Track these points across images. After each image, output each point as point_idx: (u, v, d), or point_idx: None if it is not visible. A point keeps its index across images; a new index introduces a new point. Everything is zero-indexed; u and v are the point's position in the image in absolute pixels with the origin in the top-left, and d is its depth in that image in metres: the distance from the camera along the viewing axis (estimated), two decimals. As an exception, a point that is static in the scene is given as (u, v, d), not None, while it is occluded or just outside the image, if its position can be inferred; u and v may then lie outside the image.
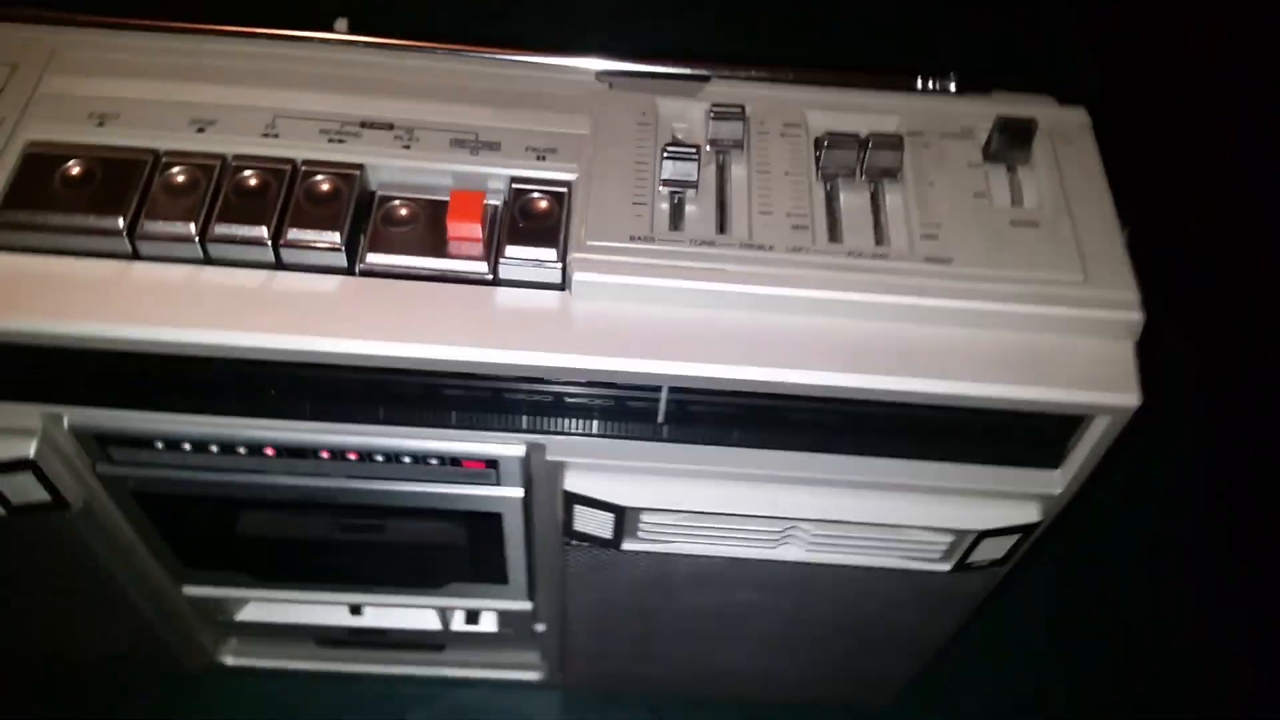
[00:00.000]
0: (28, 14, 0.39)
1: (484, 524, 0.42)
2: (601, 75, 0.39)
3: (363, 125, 0.37)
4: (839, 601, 0.46)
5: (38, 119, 0.36)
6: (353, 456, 0.38)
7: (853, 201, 0.37)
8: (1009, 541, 0.41)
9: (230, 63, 0.38)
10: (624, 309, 0.34)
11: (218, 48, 0.39)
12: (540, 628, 0.53)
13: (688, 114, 0.38)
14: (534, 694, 0.59)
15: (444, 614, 0.52)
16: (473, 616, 0.52)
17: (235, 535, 0.45)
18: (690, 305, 0.34)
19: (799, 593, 0.45)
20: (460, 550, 0.45)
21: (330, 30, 0.40)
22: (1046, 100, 0.40)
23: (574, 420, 0.37)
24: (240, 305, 0.34)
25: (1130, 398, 0.34)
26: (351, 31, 0.40)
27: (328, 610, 0.52)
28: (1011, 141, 0.37)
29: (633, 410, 0.37)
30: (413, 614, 0.53)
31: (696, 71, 0.40)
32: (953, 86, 0.41)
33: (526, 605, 0.50)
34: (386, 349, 0.33)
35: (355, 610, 0.52)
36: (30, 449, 0.38)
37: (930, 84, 0.41)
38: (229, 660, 0.58)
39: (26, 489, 0.39)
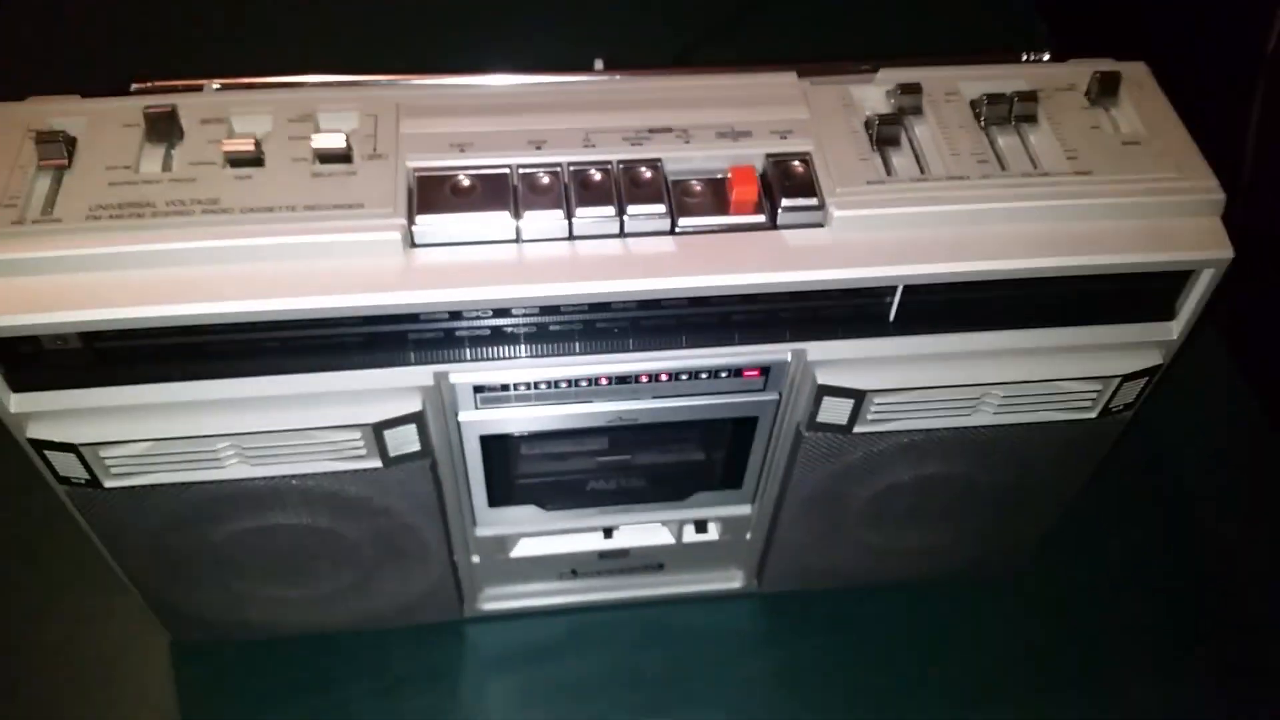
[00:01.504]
0: (366, 81, 0.52)
1: (742, 428, 0.55)
2: (801, 76, 0.53)
3: (650, 131, 0.50)
4: (1007, 462, 0.59)
5: (412, 151, 0.48)
6: (664, 378, 0.51)
7: (1009, 143, 0.50)
8: (1139, 385, 0.55)
9: (538, 99, 0.51)
10: (869, 234, 0.47)
11: (523, 90, 0.51)
12: (749, 535, 0.66)
13: (870, 95, 0.52)
14: (736, 603, 0.71)
15: (678, 528, 0.64)
16: (700, 527, 0.65)
17: (535, 468, 0.57)
18: (917, 226, 0.48)
19: (976, 457, 0.58)
20: (715, 457, 0.57)
21: (592, 70, 0.53)
22: (1114, 61, 0.55)
23: (827, 327, 0.50)
24: (605, 265, 0.46)
25: (1226, 252, 0.49)
26: (608, 69, 0.53)
27: (583, 539, 0.64)
28: (1105, 88, 0.52)
29: (870, 314, 0.50)
30: (650, 533, 0.65)
31: (861, 66, 0.54)
32: (1046, 56, 0.56)
33: (748, 509, 0.62)
34: (722, 280, 0.46)
35: (608, 534, 0.64)
36: (419, 403, 0.49)
37: (1029, 57, 0.56)
38: (485, 605, 0.68)
39: (406, 440, 0.51)
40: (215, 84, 0.51)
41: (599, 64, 0.54)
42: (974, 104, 0.51)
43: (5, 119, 0.48)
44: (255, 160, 0.46)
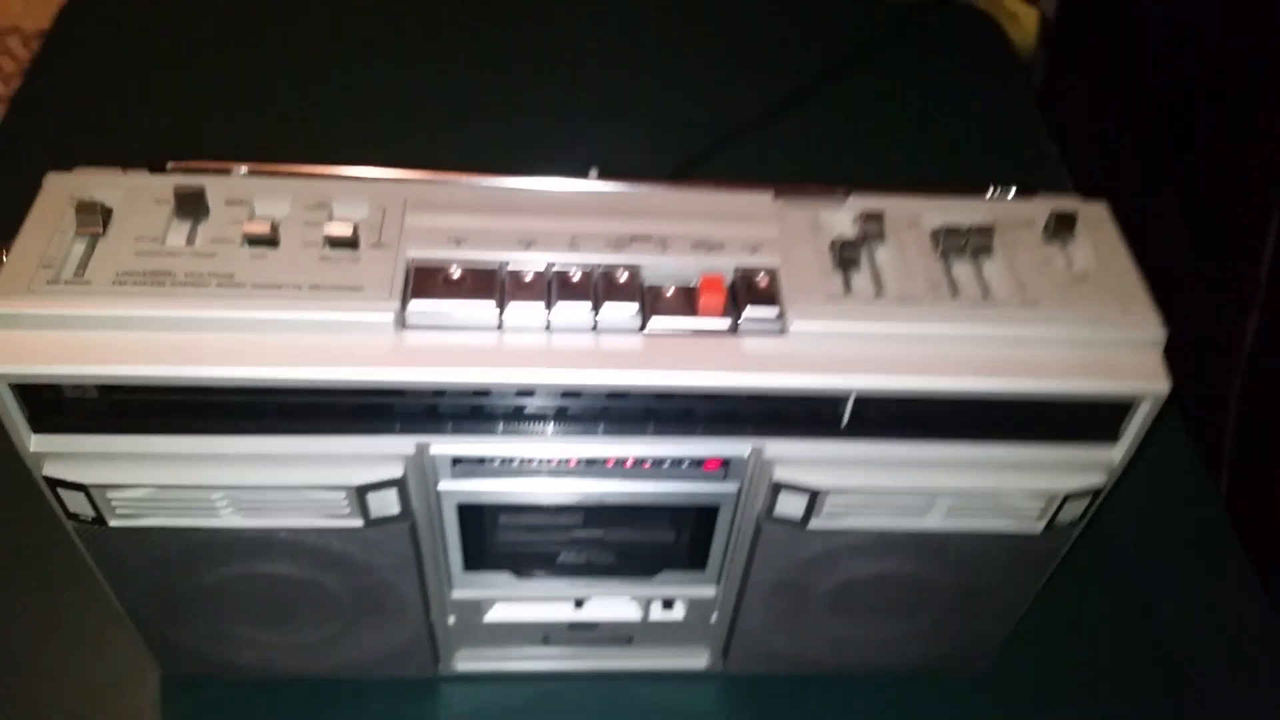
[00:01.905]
0: (380, 173, 0.57)
1: (705, 515, 0.58)
2: (776, 195, 0.57)
3: (632, 238, 0.54)
4: (959, 566, 0.62)
5: (413, 242, 0.53)
6: (630, 463, 0.55)
7: (963, 271, 0.54)
8: (1083, 503, 0.57)
9: (533, 201, 0.56)
10: (824, 345, 0.51)
11: (521, 192, 0.56)
12: (714, 617, 0.68)
13: (838, 219, 0.56)
14: (702, 682, 0.74)
15: (646, 605, 0.67)
16: (667, 604, 0.68)
17: (509, 537, 0.61)
18: (868, 341, 0.51)
19: (929, 559, 0.61)
20: (681, 539, 0.61)
21: (588, 176, 0.58)
22: (1075, 198, 0.59)
23: (784, 426, 0.54)
24: (576, 356, 0.50)
25: (1163, 385, 0.52)
26: (601, 177, 0.58)
27: (554, 608, 0.68)
28: (1061, 226, 0.56)
29: (824, 418, 0.54)
30: (618, 607, 0.68)
31: (835, 191, 0.58)
32: (1011, 193, 0.60)
33: (712, 591, 0.65)
34: (682, 378, 0.50)
35: (578, 605, 0.67)
36: (400, 470, 0.54)
37: (995, 192, 0.60)
38: (460, 666, 0.72)
39: (387, 504, 0.55)
40: (243, 168, 0.56)
41: (594, 173, 0.58)
42: (934, 234, 0.55)
43: (53, 187, 0.53)
44: (271, 241, 0.52)
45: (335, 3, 1.25)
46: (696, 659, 0.73)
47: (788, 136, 1.11)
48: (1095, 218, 0.57)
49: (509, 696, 0.73)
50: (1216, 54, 1.12)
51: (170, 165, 0.56)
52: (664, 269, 0.53)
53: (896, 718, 0.73)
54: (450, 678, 0.72)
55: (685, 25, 1.25)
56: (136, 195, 0.53)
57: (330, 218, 0.53)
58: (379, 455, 0.53)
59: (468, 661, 0.72)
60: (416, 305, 0.50)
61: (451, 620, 0.67)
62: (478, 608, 0.67)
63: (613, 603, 0.68)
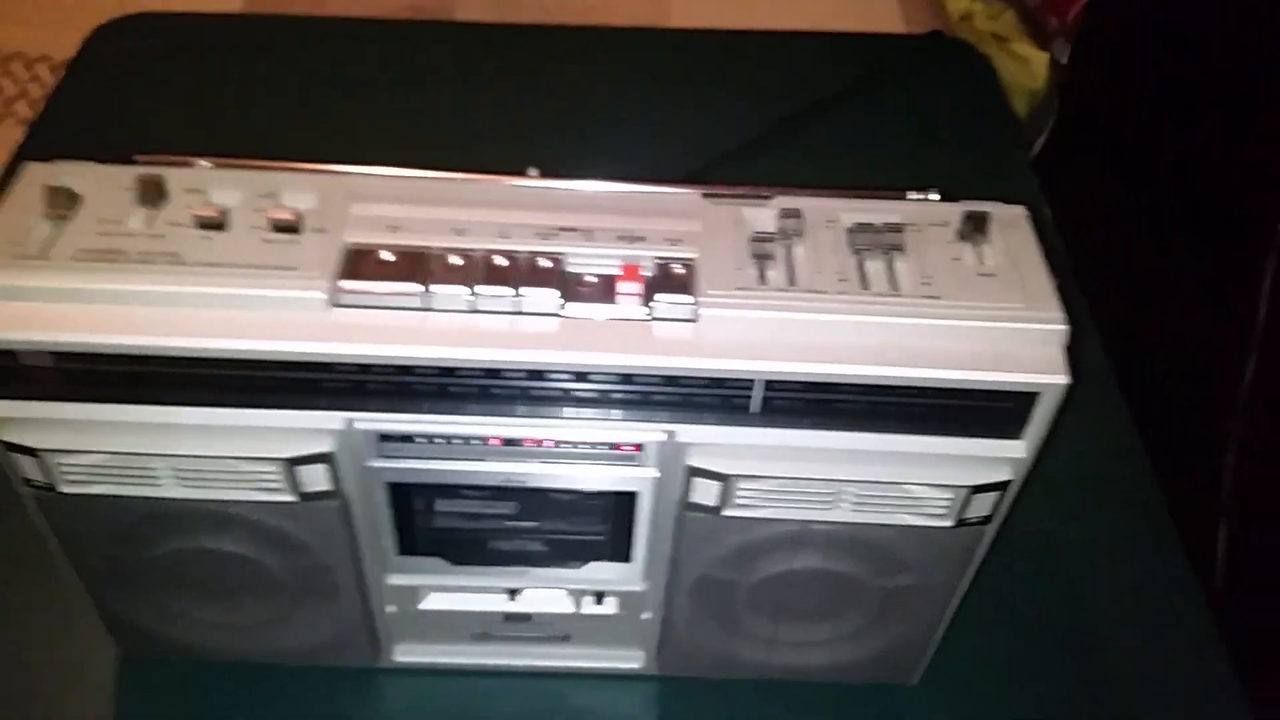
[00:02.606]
0: (322, 168, 0.61)
1: (626, 502, 0.61)
2: (705, 195, 0.60)
3: (560, 230, 0.57)
4: (877, 562, 0.63)
5: (353, 229, 0.56)
6: (549, 444, 0.57)
7: (875, 266, 0.57)
8: (992, 498, 0.59)
9: (471, 195, 0.59)
10: (733, 332, 0.54)
11: (455, 187, 0.60)
12: (646, 615, 0.70)
13: (759, 217, 0.59)
14: (633, 684, 0.75)
15: (578, 597, 0.69)
16: (599, 599, 0.69)
17: (440, 522, 0.63)
18: (775, 329, 0.54)
19: (846, 554, 0.63)
20: (606, 528, 0.63)
21: (526, 175, 0.62)
22: (997, 203, 0.61)
23: (695, 413, 0.56)
24: (496, 336, 0.53)
25: (1063, 378, 0.54)
26: (541, 176, 0.62)
27: (489, 599, 0.70)
28: (974, 226, 0.58)
29: (735, 404, 0.56)
30: (551, 599, 0.70)
31: (762, 192, 0.61)
32: (934, 196, 0.63)
33: (641, 586, 0.67)
34: (591, 358, 0.53)
35: (512, 595, 0.69)
36: (329, 445, 0.56)
37: (917, 195, 0.63)
38: (399, 657, 0.74)
39: (318, 478, 0.58)
40: (206, 162, 0.60)
41: (534, 171, 0.62)
42: (849, 231, 0.58)
43: (31, 175, 0.57)
44: (218, 225, 0.55)
45: (347, 33, 1.31)
46: (632, 659, 0.75)
47: (768, 170, 1.14)
48: (1011, 220, 0.60)
49: (445, 691, 0.74)
50: (1235, 88, 1.14)
51: (137, 158, 0.60)
52: (587, 258, 0.56)
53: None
54: (390, 670, 0.74)
55: (671, 60, 1.30)
56: (104, 183, 0.57)
57: (278, 205, 0.56)
58: (309, 429, 0.56)
59: (407, 654, 0.74)
60: (348, 285, 0.53)
61: (390, 609, 0.69)
62: (414, 595, 0.69)
63: (546, 594, 0.70)
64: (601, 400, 0.56)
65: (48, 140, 1.12)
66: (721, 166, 1.11)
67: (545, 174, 0.62)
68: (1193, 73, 1.22)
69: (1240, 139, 1.12)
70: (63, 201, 0.55)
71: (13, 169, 1.06)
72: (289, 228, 0.55)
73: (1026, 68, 1.63)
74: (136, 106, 1.18)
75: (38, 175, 0.57)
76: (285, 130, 1.14)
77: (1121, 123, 1.39)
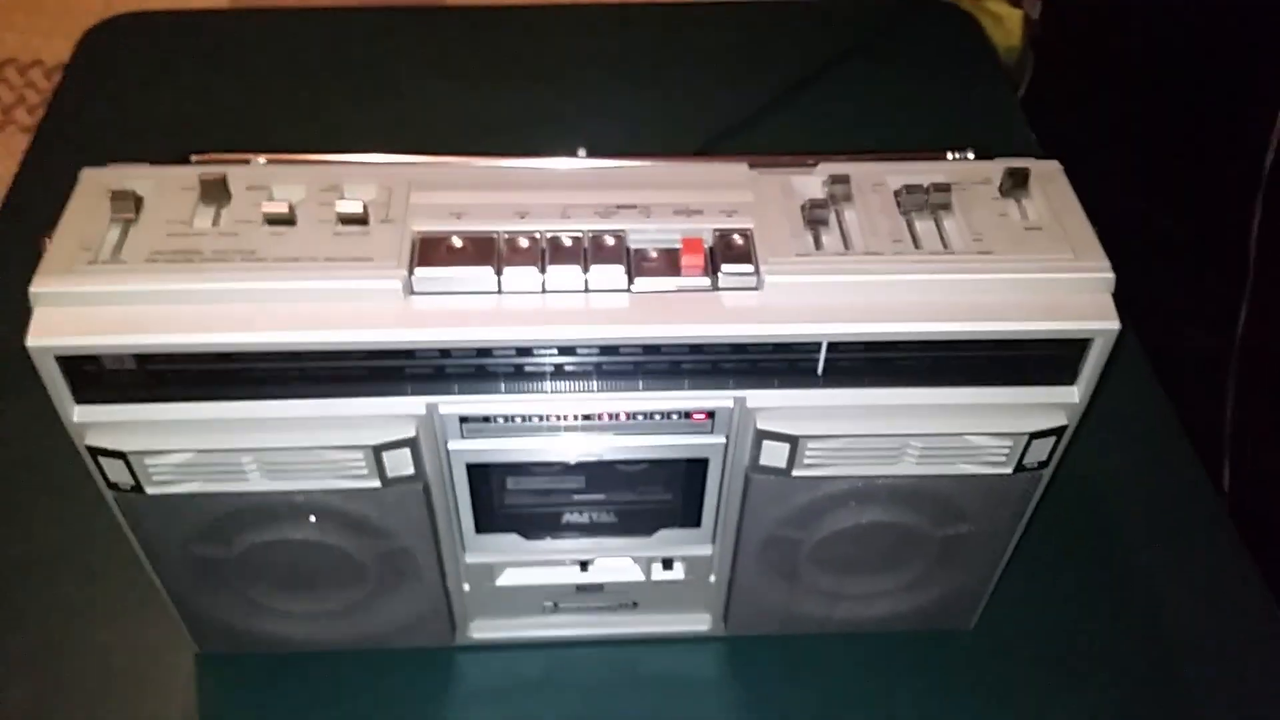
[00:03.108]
0: (374, 159, 0.62)
1: (696, 469, 0.63)
2: (751, 166, 0.62)
3: (618, 207, 0.59)
4: (938, 512, 0.66)
5: (417, 218, 0.58)
6: (623, 417, 0.59)
7: (925, 226, 0.59)
8: (1049, 443, 0.61)
9: (526, 179, 0.61)
10: (795, 297, 0.56)
11: (515, 171, 0.61)
12: (713, 578, 0.72)
13: (809, 184, 0.61)
14: (705, 646, 0.78)
15: (647, 565, 0.71)
16: (667, 564, 0.71)
17: (515, 499, 0.65)
18: (837, 292, 0.56)
19: (908, 506, 0.65)
20: (675, 496, 0.65)
21: (575, 155, 0.63)
22: (1030, 160, 0.63)
23: (764, 378, 0.58)
24: (569, 314, 0.55)
25: (1113, 324, 0.56)
26: (589, 155, 0.63)
27: (561, 572, 0.72)
28: (1016, 182, 0.60)
29: (801, 367, 0.58)
30: (621, 569, 0.72)
31: (807, 160, 0.63)
32: (970, 155, 0.65)
33: (709, 549, 0.69)
34: (667, 330, 0.55)
35: (584, 568, 0.71)
36: (413, 430, 0.58)
37: (955, 156, 0.65)
38: (475, 634, 0.76)
39: (401, 463, 0.60)
40: (262, 159, 0.62)
41: (582, 152, 0.64)
42: (896, 193, 0.60)
43: (88, 180, 0.59)
44: (288, 220, 0.57)
45: (337, 24, 1.32)
46: (699, 622, 0.77)
47: (776, 137, 1.16)
48: (1048, 174, 0.62)
49: (521, 665, 0.77)
50: (1203, 41, 1.16)
51: (193, 158, 0.61)
52: (648, 234, 0.58)
53: (888, 676, 0.77)
54: (466, 647, 0.76)
55: (669, 33, 1.31)
56: (164, 185, 0.58)
57: (341, 198, 0.58)
58: (392, 416, 0.58)
59: (482, 631, 0.76)
60: (422, 273, 0.55)
61: (466, 587, 0.71)
62: (490, 572, 0.71)
63: (615, 564, 0.72)
64: (672, 371, 0.58)
65: (56, 145, 1.13)
66: (730, 138, 1.12)
67: (592, 154, 0.64)
68: (1165, 23, 1.24)
69: (1216, 87, 1.13)
70: (128, 205, 0.57)
71: (23, 175, 1.09)
72: (358, 219, 0.57)
73: (1001, 25, 1.65)
74: (141, 106, 1.18)
75: (96, 180, 0.59)
76: (295, 121, 1.15)
77: (1096, 75, 1.41)
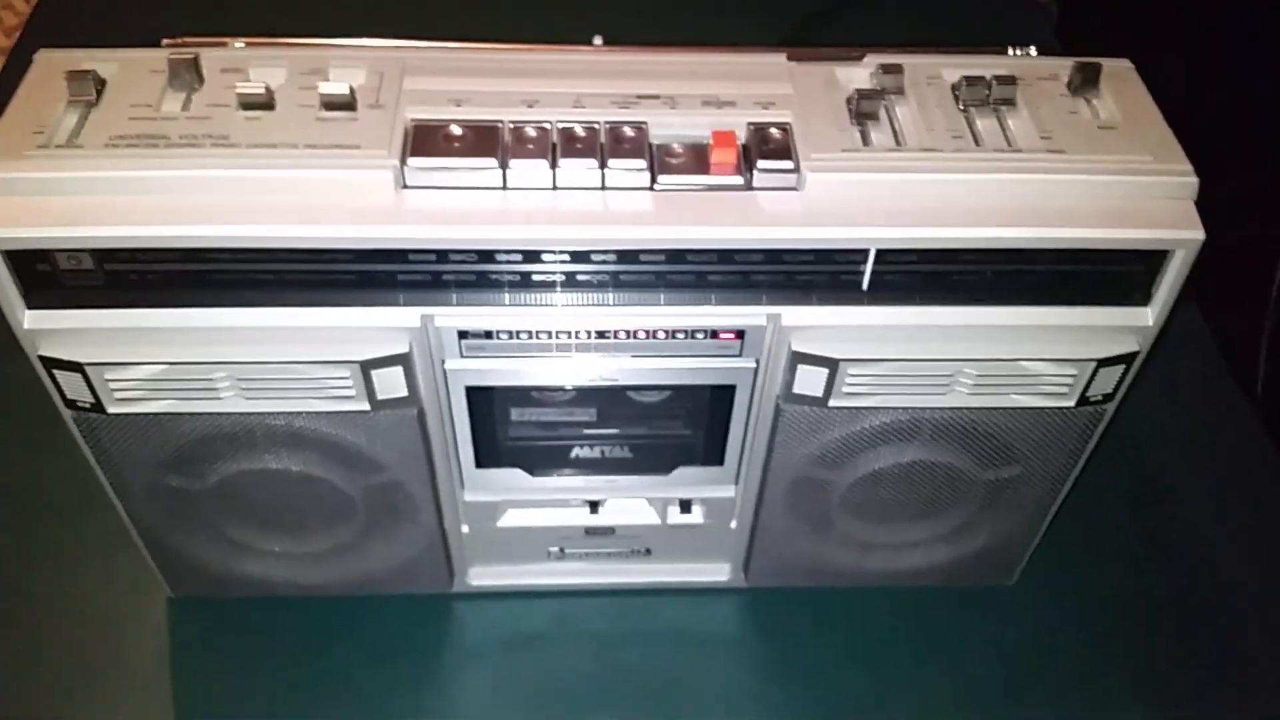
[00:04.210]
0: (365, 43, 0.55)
1: (721, 398, 0.56)
2: (791, 57, 0.55)
3: (639, 97, 0.52)
4: (987, 452, 0.59)
5: (411, 104, 0.51)
6: (642, 335, 0.52)
7: (987, 124, 0.52)
8: (1117, 372, 0.55)
9: (534, 66, 0.54)
10: (841, 199, 0.49)
11: (521, 58, 0.55)
12: (734, 523, 0.66)
13: (854, 76, 0.54)
14: (722, 598, 0.72)
15: (663, 507, 0.65)
16: (685, 507, 0.65)
17: (520, 430, 0.59)
18: (887, 193, 0.49)
19: (955, 444, 0.59)
20: (697, 429, 0.59)
21: (591, 44, 0.56)
22: (1102, 58, 0.56)
23: (802, 292, 0.52)
24: (584, 215, 0.48)
25: (1198, 233, 0.49)
26: (606, 44, 0.56)
27: (569, 513, 0.65)
28: (1086, 79, 0.54)
29: (844, 281, 0.51)
30: (635, 511, 0.66)
31: (852, 52, 0.56)
32: (1033, 51, 0.58)
33: (731, 491, 0.63)
34: (694, 232, 0.48)
35: (594, 509, 0.65)
36: (406, 344, 0.52)
37: (1016, 52, 0.58)
38: (474, 581, 0.70)
39: (393, 383, 0.53)
40: (240, 43, 0.55)
41: (598, 40, 0.57)
42: (954, 87, 0.53)
43: (45, 63, 0.52)
44: (266, 104, 0.50)
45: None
46: (718, 572, 0.71)
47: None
48: (1119, 73, 0.55)
49: (524, 614, 0.71)
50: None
51: (165, 42, 0.54)
52: (673, 127, 0.51)
53: (921, 633, 0.71)
54: (465, 594, 0.70)
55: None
56: (129, 67, 0.52)
57: (326, 81, 0.51)
58: (383, 328, 0.51)
59: (483, 577, 0.70)
60: (416, 163, 0.49)
61: (465, 529, 0.65)
62: (491, 512, 0.65)
63: (629, 505, 0.66)
64: (699, 283, 0.51)
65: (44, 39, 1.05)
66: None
67: (610, 44, 0.57)
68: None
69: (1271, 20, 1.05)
70: (87, 87, 0.50)
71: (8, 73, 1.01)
72: (344, 104, 0.50)
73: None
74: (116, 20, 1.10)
75: (54, 62, 0.52)
76: (284, 9, 1.07)
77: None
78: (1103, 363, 0.54)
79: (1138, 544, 0.76)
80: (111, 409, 0.53)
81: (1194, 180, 0.50)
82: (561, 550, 0.68)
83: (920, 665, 0.69)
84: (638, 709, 0.67)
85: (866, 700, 0.68)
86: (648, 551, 0.69)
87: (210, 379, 0.52)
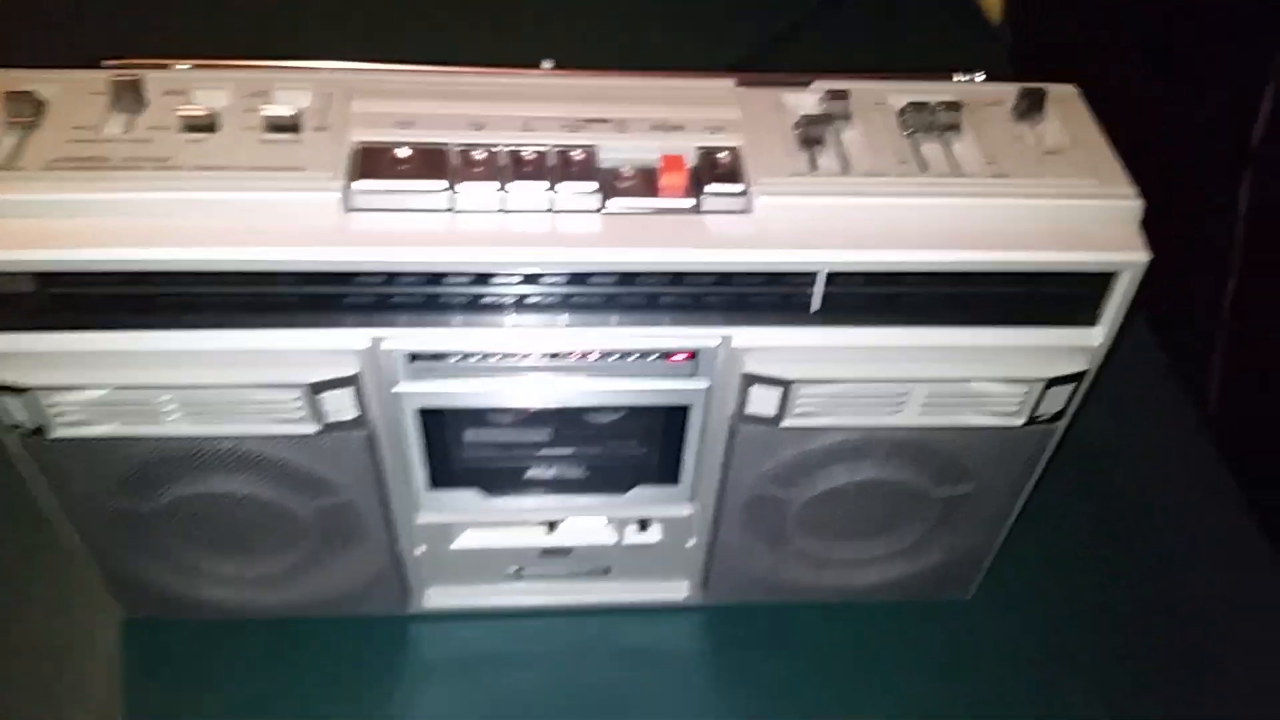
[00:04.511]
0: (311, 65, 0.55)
1: (676, 418, 0.56)
2: (739, 83, 0.55)
3: (588, 121, 0.52)
4: (941, 469, 0.60)
5: (358, 127, 0.51)
6: (595, 356, 0.52)
7: (932, 149, 0.52)
8: (1067, 391, 0.55)
9: (482, 89, 0.54)
10: (790, 222, 0.49)
11: (469, 80, 0.54)
12: (692, 541, 0.66)
13: (801, 102, 0.54)
14: (681, 616, 0.72)
15: (620, 527, 0.65)
16: (643, 526, 0.65)
17: (474, 450, 0.58)
18: (836, 217, 0.50)
19: (909, 462, 0.59)
20: (652, 449, 0.59)
21: (540, 68, 0.56)
22: (1047, 83, 0.57)
23: (753, 313, 0.52)
24: (534, 237, 0.48)
25: (1142, 255, 0.50)
26: (556, 68, 0.56)
27: (526, 533, 0.65)
28: (1031, 104, 0.54)
29: (795, 302, 0.51)
30: (592, 530, 0.65)
31: (800, 78, 0.56)
32: (979, 78, 0.59)
33: (688, 509, 0.63)
34: (642, 255, 0.48)
35: (551, 528, 0.65)
36: (354, 367, 0.51)
37: (962, 77, 0.59)
38: (430, 603, 0.69)
39: (342, 405, 0.53)
40: (183, 64, 0.54)
41: (547, 63, 0.57)
42: (900, 113, 0.54)
43: (-17, 82, 0.51)
44: (209, 126, 0.49)
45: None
46: (676, 590, 0.71)
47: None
48: (1065, 97, 0.55)
49: (483, 635, 0.70)
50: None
51: (106, 63, 0.54)
52: (622, 151, 0.51)
53: (879, 648, 0.71)
54: (421, 616, 0.70)
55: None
56: (70, 88, 0.51)
57: (270, 104, 0.51)
58: (330, 350, 0.51)
59: (439, 599, 0.69)
60: (363, 185, 0.48)
61: (420, 550, 0.65)
62: (446, 534, 0.64)
63: (586, 525, 0.65)
64: (650, 305, 0.51)
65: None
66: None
67: (559, 68, 0.57)
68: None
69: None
70: (26, 108, 0.49)
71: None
72: (288, 126, 0.50)
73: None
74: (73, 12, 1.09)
75: (-7, 83, 0.51)
76: (243, 27, 1.06)
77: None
78: (1052, 382, 0.54)
79: (1094, 556, 0.77)
80: (55, 433, 0.53)
81: (1138, 204, 0.51)
82: (519, 571, 0.68)
83: (879, 680, 0.69)
84: (596, 729, 0.67)
85: (826, 715, 0.68)
86: (606, 571, 0.68)
87: (156, 403, 0.52)
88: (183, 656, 0.68)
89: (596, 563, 0.68)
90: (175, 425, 0.53)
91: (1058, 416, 0.57)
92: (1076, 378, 0.55)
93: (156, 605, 0.67)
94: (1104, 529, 0.79)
